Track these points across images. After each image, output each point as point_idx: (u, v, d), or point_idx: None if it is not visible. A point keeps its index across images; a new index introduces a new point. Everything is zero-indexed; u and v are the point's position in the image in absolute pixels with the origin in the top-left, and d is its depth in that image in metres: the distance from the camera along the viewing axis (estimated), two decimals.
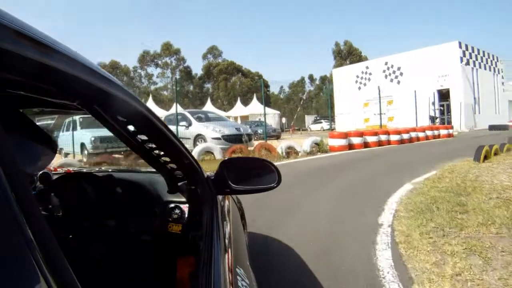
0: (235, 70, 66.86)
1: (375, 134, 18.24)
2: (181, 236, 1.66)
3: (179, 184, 1.64)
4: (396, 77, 40.58)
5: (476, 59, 38.49)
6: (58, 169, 2.50)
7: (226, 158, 1.75)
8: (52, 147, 1.13)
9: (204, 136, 14.58)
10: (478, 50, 39.06)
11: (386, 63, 41.93)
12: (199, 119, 15.82)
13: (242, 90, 60.70)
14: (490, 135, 23.50)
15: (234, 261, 1.38)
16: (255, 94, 47.80)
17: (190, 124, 15.51)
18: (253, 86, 58.30)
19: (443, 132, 24.00)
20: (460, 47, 36.11)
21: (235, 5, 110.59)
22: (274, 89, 72.54)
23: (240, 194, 2.19)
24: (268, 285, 2.93)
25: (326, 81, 64.42)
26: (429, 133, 22.44)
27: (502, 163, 8.51)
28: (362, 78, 44.89)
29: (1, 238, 0.41)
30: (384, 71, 42.01)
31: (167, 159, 1.48)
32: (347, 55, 66.35)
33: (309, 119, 53.46)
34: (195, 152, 12.52)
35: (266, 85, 55.62)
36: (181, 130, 14.96)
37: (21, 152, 0.96)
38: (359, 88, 44.75)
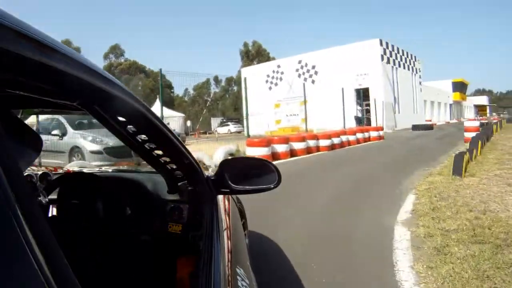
0: (138, 70, 63.86)
1: (303, 139, 14.85)
2: (181, 236, 1.65)
3: (179, 184, 1.66)
4: (311, 76, 37.95)
5: (396, 58, 37.45)
6: (58, 169, 2.51)
7: (225, 159, 1.82)
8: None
9: (81, 148, 10.46)
10: (398, 48, 38.05)
11: (299, 62, 39.14)
12: (79, 126, 11.13)
13: (145, 92, 56.22)
14: (420, 136, 22.44)
15: (234, 261, 1.39)
16: (158, 96, 42.20)
17: (64, 133, 10.94)
18: (156, 87, 53.53)
19: (373, 134, 21.57)
20: (381, 44, 34.47)
21: (139, 5, 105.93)
22: (178, 91, 69.93)
23: (239, 194, 2.18)
24: None
25: (232, 83, 63.66)
26: (359, 136, 19.94)
27: (491, 178, 7.01)
28: (273, 77, 41.96)
29: (1, 238, 0.41)
30: (297, 70, 39.24)
31: (167, 159, 1.48)
32: (255, 55, 64.73)
33: (215, 121, 50.07)
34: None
35: (170, 87, 53.91)
36: (54, 141, 10.64)
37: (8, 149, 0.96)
38: (270, 88, 41.88)
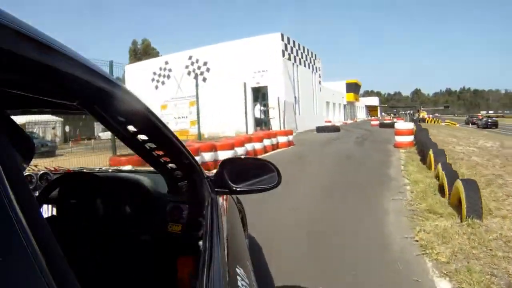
0: None
1: (196, 152, 9.94)
2: (181, 236, 1.65)
3: (179, 184, 1.68)
4: (202, 73, 32.61)
5: (297, 55, 34.05)
6: (58, 169, 2.57)
7: (225, 158, 1.78)
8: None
9: None
10: (299, 45, 34.75)
11: (190, 58, 34.00)
12: None
13: None
14: (333, 140, 19.18)
15: (234, 261, 1.40)
16: None
17: None
18: None
19: (282, 139, 17.11)
20: (283, 39, 30.83)
21: None
22: None
23: (239, 194, 2.18)
24: None
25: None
26: (267, 142, 15.48)
27: None
28: (160, 75, 36.43)
29: (1, 238, 0.42)
30: (187, 66, 33.99)
31: (167, 159, 1.50)
32: (143, 54, 62.14)
33: (99, 126, 42.52)
34: None
35: None
36: None
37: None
38: (156, 87, 36.25)
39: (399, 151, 12.85)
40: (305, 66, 36.27)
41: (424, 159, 9.38)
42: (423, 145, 10.55)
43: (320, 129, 27.94)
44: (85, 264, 1.32)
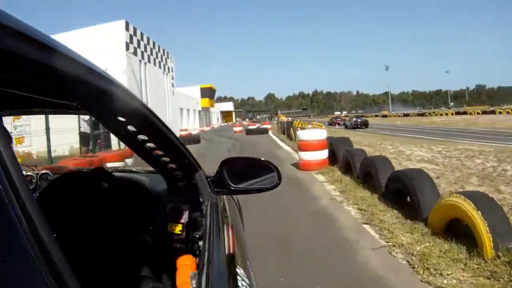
0: None
1: None
2: (181, 236, 1.65)
3: (179, 184, 1.68)
4: None
5: (146, 50, 28.65)
6: (58, 169, 2.60)
7: (225, 158, 1.78)
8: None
9: None
10: (148, 39, 29.37)
11: None
12: None
13: None
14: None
15: (234, 261, 1.40)
16: None
17: None
18: None
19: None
20: (127, 29, 25.39)
21: None
22: None
23: (239, 194, 2.15)
24: None
25: None
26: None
27: None
28: None
29: (2, 238, 0.42)
30: None
31: (167, 159, 1.50)
32: None
33: None
34: None
35: None
36: None
37: None
38: None
39: (313, 178, 8.25)
40: (155, 64, 30.49)
41: (389, 196, 5.40)
42: (368, 166, 6.41)
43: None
44: (85, 264, 1.32)
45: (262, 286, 1.66)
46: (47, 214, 1.30)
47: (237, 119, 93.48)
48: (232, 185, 1.67)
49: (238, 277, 1.26)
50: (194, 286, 1.09)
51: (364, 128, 38.37)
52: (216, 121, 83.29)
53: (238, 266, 1.36)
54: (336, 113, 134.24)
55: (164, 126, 1.18)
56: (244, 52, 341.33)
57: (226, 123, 79.62)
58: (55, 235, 0.49)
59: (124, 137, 1.27)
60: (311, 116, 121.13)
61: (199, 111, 62.14)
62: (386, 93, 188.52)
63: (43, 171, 2.32)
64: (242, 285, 1.23)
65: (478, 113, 59.81)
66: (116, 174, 2.05)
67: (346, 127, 41.55)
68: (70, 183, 1.71)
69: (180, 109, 43.72)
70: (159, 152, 1.43)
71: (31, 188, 1.39)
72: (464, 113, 65.14)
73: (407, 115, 77.98)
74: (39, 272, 0.43)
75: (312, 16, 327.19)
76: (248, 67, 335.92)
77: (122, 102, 0.88)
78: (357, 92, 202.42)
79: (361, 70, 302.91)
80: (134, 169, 2.53)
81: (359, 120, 41.47)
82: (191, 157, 1.52)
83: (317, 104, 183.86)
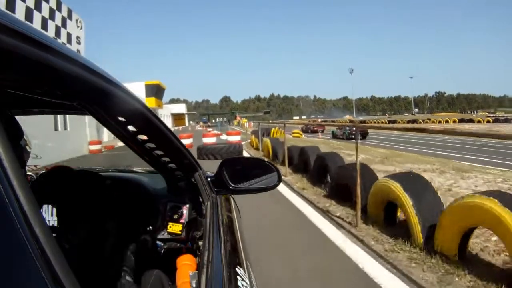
0: None
1: None
2: (181, 236, 1.65)
3: (179, 184, 1.69)
4: None
5: (37, 8, 18.03)
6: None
7: (225, 158, 1.78)
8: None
9: None
10: None
11: None
12: None
13: None
14: None
15: (234, 261, 1.40)
16: None
17: None
18: None
19: None
20: None
21: None
22: None
23: (239, 194, 2.05)
24: None
25: None
26: None
27: None
28: None
29: (1, 238, 0.42)
30: None
31: (167, 159, 1.50)
32: None
33: None
34: None
35: None
36: None
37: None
38: None
39: None
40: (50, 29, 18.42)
41: None
42: None
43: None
44: (85, 264, 1.32)
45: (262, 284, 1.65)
46: (48, 214, 1.39)
47: (190, 122, 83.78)
48: (232, 185, 1.67)
49: (238, 277, 1.25)
50: (194, 286, 1.09)
51: (360, 139, 28.76)
52: (167, 123, 72.64)
53: (238, 266, 1.34)
54: (295, 117, 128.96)
55: (164, 126, 1.18)
56: (199, 54, 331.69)
57: (177, 127, 68.22)
58: (55, 235, 0.50)
59: (124, 137, 1.26)
60: (270, 121, 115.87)
61: None
62: (345, 98, 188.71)
63: (43, 171, 2.14)
64: (242, 285, 1.22)
65: (454, 121, 57.49)
66: (116, 174, 2.17)
67: (335, 136, 33.55)
68: (70, 182, 1.68)
69: None
70: (159, 152, 1.43)
71: (31, 188, 0.86)
72: (447, 121, 61.82)
73: (393, 121, 70.66)
74: (39, 272, 0.43)
75: (268, 17, 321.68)
76: (203, 69, 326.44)
77: (122, 102, 0.88)
78: (315, 96, 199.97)
79: (319, 74, 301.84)
80: (134, 169, 2.51)
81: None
82: (191, 157, 1.51)
83: (275, 108, 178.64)
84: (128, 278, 1.56)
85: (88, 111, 0.98)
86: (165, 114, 74.37)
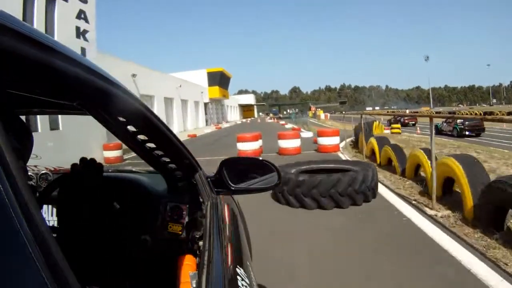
0: None
1: None
2: (181, 236, 1.65)
3: (179, 184, 1.69)
4: None
5: None
6: (58, 169, 2.52)
7: (225, 158, 1.77)
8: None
9: None
10: None
11: None
12: None
13: None
14: None
15: (234, 261, 1.39)
16: None
17: None
18: None
19: None
20: None
21: None
22: None
23: (240, 194, 2.06)
24: None
25: None
26: None
27: None
28: None
29: (2, 238, 0.42)
30: None
31: (167, 159, 1.50)
32: None
33: None
34: None
35: None
36: None
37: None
38: None
39: None
40: None
41: None
42: None
43: None
44: (85, 264, 1.31)
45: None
46: (48, 214, 1.55)
47: (260, 114, 78.10)
48: (232, 185, 1.66)
49: (238, 277, 1.24)
50: (194, 286, 1.09)
51: (474, 136, 23.73)
52: (233, 116, 66.68)
53: (238, 266, 1.34)
54: (367, 108, 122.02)
55: (164, 126, 1.18)
56: (268, 44, 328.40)
57: (245, 120, 61.91)
58: (55, 235, 0.49)
59: (124, 137, 1.26)
60: (343, 112, 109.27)
61: (206, 104, 45.60)
62: (417, 88, 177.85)
63: (43, 171, 2.25)
64: (242, 285, 1.22)
65: None
66: (116, 174, 2.13)
67: (440, 132, 25.94)
68: (70, 183, 1.65)
69: (164, 99, 31.97)
70: (159, 152, 1.43)
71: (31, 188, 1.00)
72: None
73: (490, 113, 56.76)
74: (39, 272, 0.43)
75: (339, 7, 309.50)
76: (272, 60, 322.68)
77: (122, 102, 0.88)
78: (387, 86, 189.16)
79: (390, 63, 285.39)
80: (134, 169, 2.49)
81: (470, 123, 24.00)
82: (191, 157, 1.51)
83: (346, 99, 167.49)
84: (128, 278, 1.56)
85: (88, 111, 0.98)
86: (232, 105, 67.38)
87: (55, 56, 0.60)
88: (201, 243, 1.40)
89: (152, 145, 1.35)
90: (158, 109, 29.13)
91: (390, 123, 29.36)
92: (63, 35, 13.40)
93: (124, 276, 1.60)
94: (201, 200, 1.60)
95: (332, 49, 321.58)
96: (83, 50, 14.71)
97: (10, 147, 0.47)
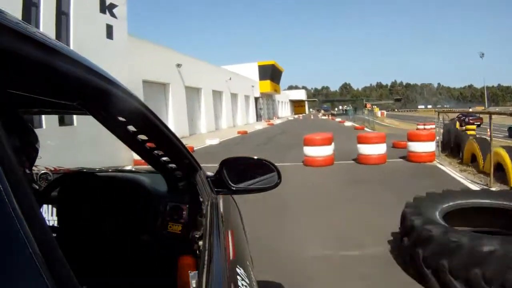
0: None
1: None
2: (181, 236, 1.64)
3: (179, 184, 1.68)
4: None
5: None
6: (58, 169, 2.47)
7: (225, 158, 1.76)
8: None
9: None
10: None
11: None
12: None
13: None
14: None
15: (234, 261, 1.40)
16: None
17: None
18: None
19: None
20: None
21: None
22: None
23: (240, 194, 2.06)
24: None
25: None
26: None
27: None
28: None
29: (1, 238, 0.42)
30: None
31: (167, 159, 1.50)
32: None
33: None
34: None
35: None
36: None
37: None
38: None
39: None
40: None
41: None
42: None
43: None
44: (85, 264, 1.31)
45: None
46: (48, 214, 1.51)
47: (310, 110, 75.54)
48: (232, 185, 1.66)
49: (238, 277, 1.24)
50: (194, 286, 1.08)
51: None
52: (284, 112, 64.34)
53: (238, 266, 1.34)
54: (420, 106, 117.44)
55: (164, 126, 1.18)
56: (319, 39, 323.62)
57: (297, 116, 59.28)
58: (55, 235, 0.49)
59: (124, 137, 1.26)
60: (395, 110, 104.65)
61: (257, 99, 43.70)
62: (470, 86, 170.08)
63: (43, 171, 2.15)
64: (242, 285, 1.22)
65: None
66: (116, 174, 2.11)
67: None
68: (70, 183, 1.69)
69: (212, 92, 30.49)
70: (159, 152, 1.42)
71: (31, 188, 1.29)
72: None
73: None
74: (39, 272, 0.43)
75: (387, 6, 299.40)
76: (322, 55, 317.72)
77: (122, 102, 0.88)
78: (439, 84, 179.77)
79: (443, 60, 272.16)
80: (134, 169, 2.52)
81: None
82: (191, 157, 1.51)
83: (398, 96, 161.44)
84: (128, 278, 1.55)
85: (88, 111, 0.98)
86: (283, 101, 64.80)
87: (55, 56, 0.59)
88: (201, 243, 1.38)
89: (152, 145, 1.34)
90: (205, 103, 27.75)
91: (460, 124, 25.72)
92: (80, 6, 10.60)
93: (124, 276, 1.59)
94: (201, 200, 1.58)
95: (385, 46, 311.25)
96: (109, 27, 12.05)
97: (10, 147, 0.47)
